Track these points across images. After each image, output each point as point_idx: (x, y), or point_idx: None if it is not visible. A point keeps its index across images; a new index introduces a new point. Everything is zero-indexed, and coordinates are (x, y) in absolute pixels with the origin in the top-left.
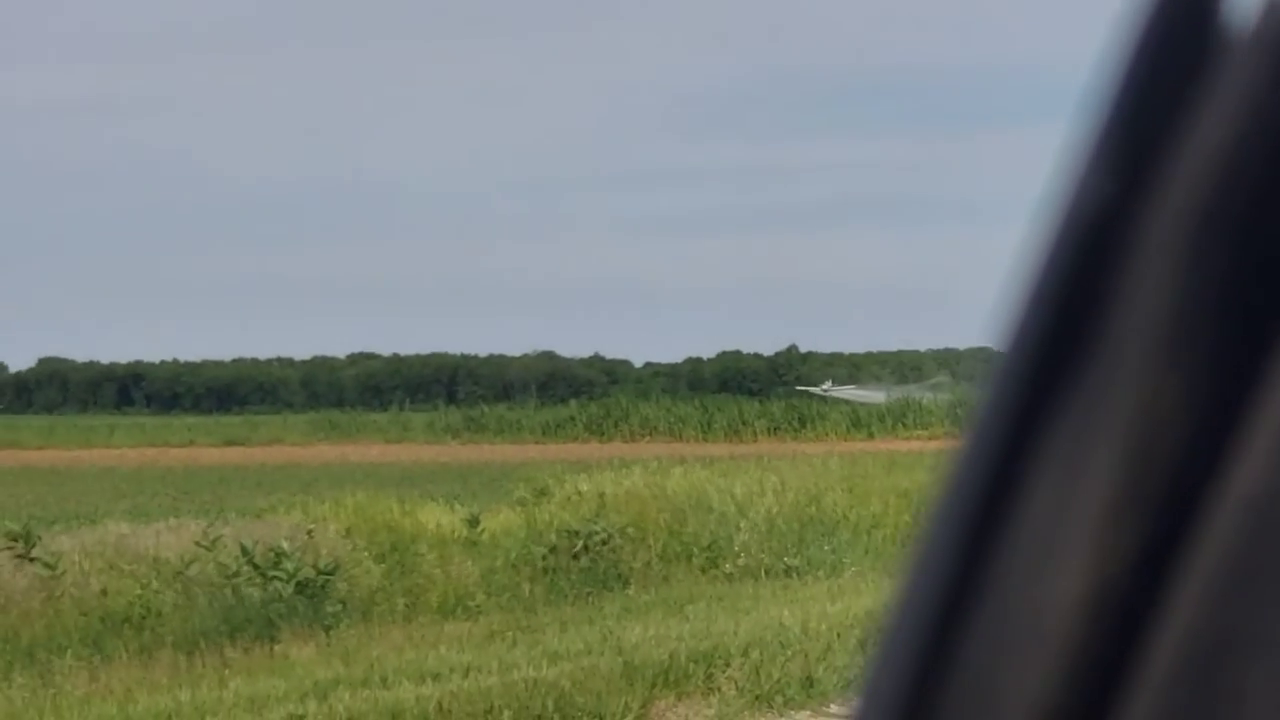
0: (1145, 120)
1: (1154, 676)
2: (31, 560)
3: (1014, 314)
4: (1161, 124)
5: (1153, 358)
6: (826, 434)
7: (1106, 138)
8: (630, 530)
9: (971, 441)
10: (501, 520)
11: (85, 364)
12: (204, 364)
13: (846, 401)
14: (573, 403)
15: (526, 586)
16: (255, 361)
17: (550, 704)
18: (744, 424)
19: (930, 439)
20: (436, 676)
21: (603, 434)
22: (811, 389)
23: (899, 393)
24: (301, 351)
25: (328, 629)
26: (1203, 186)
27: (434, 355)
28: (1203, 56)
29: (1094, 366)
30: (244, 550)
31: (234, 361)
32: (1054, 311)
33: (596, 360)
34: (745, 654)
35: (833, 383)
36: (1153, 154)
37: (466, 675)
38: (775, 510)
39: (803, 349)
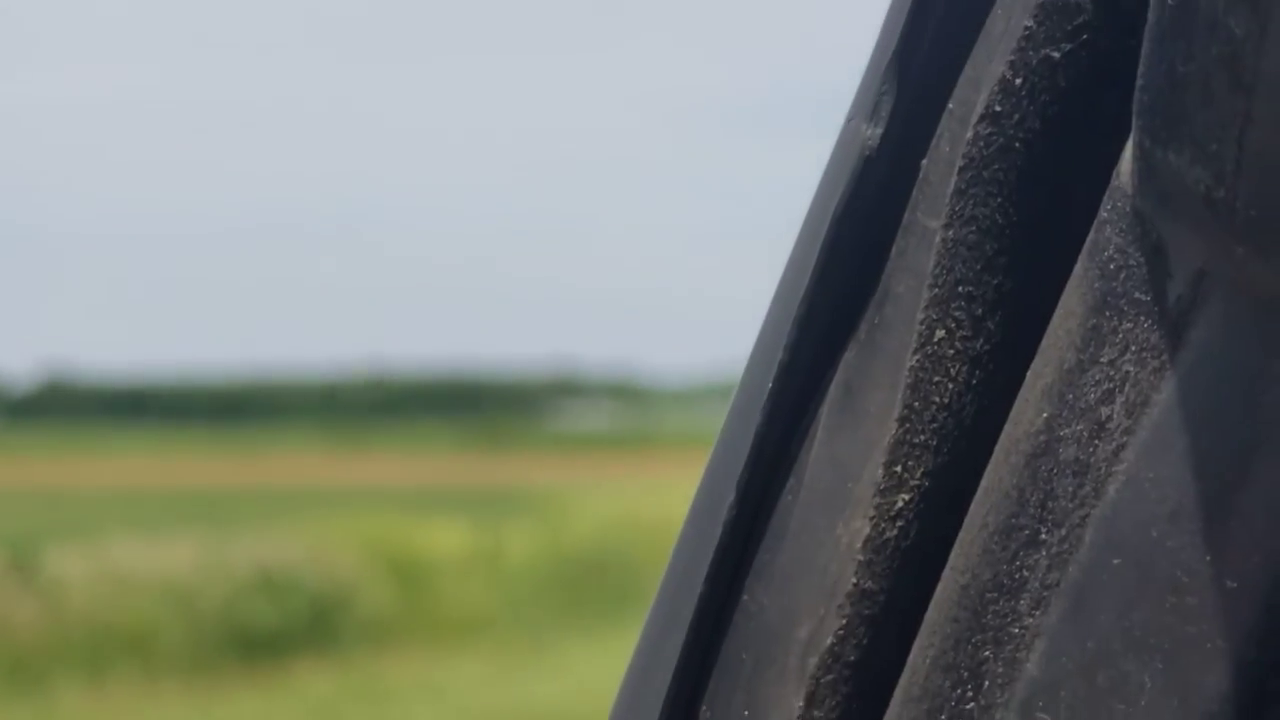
0: (914, 62)
1: (935, 620)
2: (35, 579)
3: (798, 259)
4: (930, 67)
5: (927, 304)
6: None
7: (876, 82)
8: (652, 549)
9: (755, 388)
10: (520, 540)
11: (93, 376)
12: (214, 376)
13: (581, 421)
14: (593, 418)
15: (545, 607)
16: (267, 375)
17: None
18: None
19: None
20: (450, 698)
21: (627, 450)
22: (572, 410)
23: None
24: (315, 365)
25: (339, 650)
26: (969, 134)
27: (450, 370)
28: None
29: (872, 313)
30: (255, 570)
31: (245, 375)
32: (833, 256)
33: (623, 374)
34: None
35: (578, 402)
36: (922, 100)
37: (480, 696)
38: None
39: None
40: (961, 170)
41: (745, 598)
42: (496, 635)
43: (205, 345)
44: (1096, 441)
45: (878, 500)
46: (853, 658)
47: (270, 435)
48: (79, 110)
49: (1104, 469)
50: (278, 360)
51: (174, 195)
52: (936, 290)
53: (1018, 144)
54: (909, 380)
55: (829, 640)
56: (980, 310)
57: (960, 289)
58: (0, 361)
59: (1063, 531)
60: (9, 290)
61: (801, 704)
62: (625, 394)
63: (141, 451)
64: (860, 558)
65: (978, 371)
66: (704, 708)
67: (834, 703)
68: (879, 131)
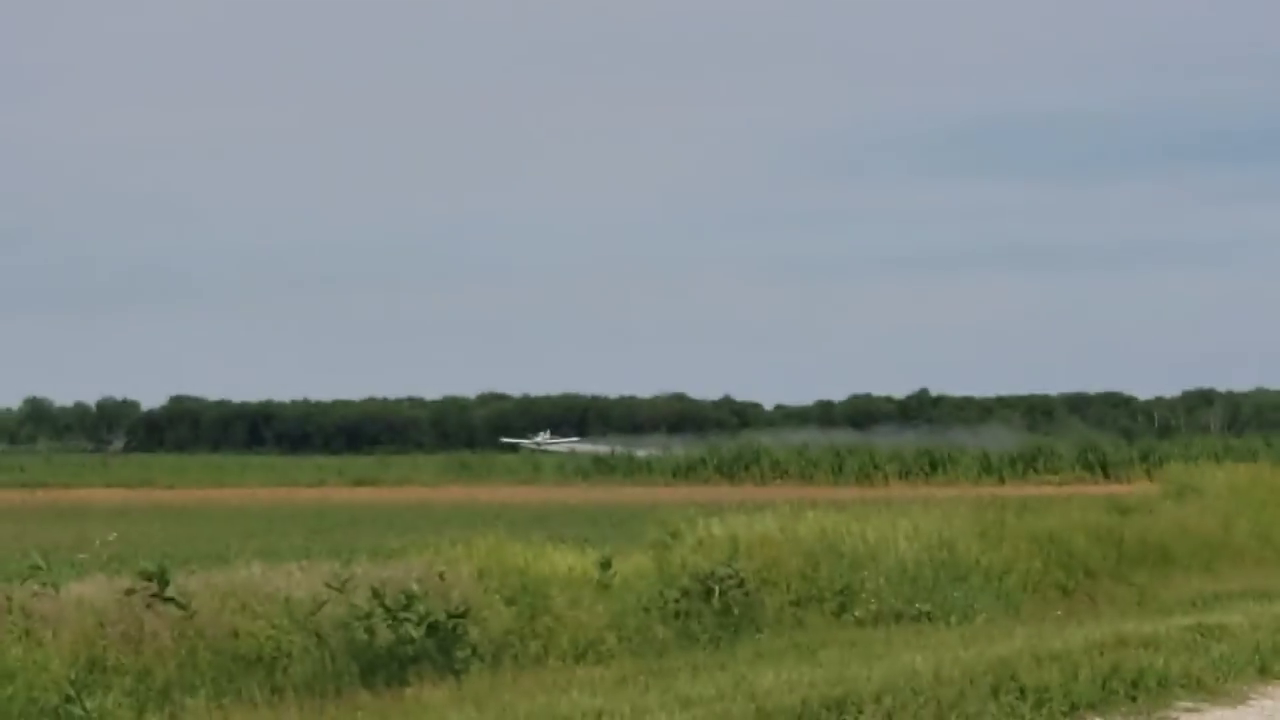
0: None
1: None
2: (165, 600)
3: None
4: None
5: None
6: (957, 478)
7: None
8: (763, 574)
9: None
10: (633, 563)
11: (216, 403)
12: (334, 403)
13: (560, 453)
14: (704, 445)
15: (658, 630)
16: (386, 401)
17: None
18: (875, 467)
19: (1061, 484)
20: None
21: (733, 477)
22: (522, 441)
23: (624, 447)
24: (432, 391)
25: (458, 673)
26: None
27: (564, 396)
28: None
29: None
30: (375, 592)
31: (364, 401)
32: None
33: (727, 402)
34: (878, 700)
35: (549, 434)
36: None
37: None
38: (907, 554)
39: (933, 392)
40: None
41: None
42: (612, 657)
43: (328, 373)
44: None
45: None
46: None
47: (391, 459)
48: (207, 148)
49: None
50: (399, 387)
51: (298, 230)
52: None
53: None
54: None
55: None
56: None
57: None
58: (131, 386)
59: None
60: (142, 319)
61: None
62: (732, 422)
63: (265, 474)
64: None
65: None
66: None
67: None
68: None
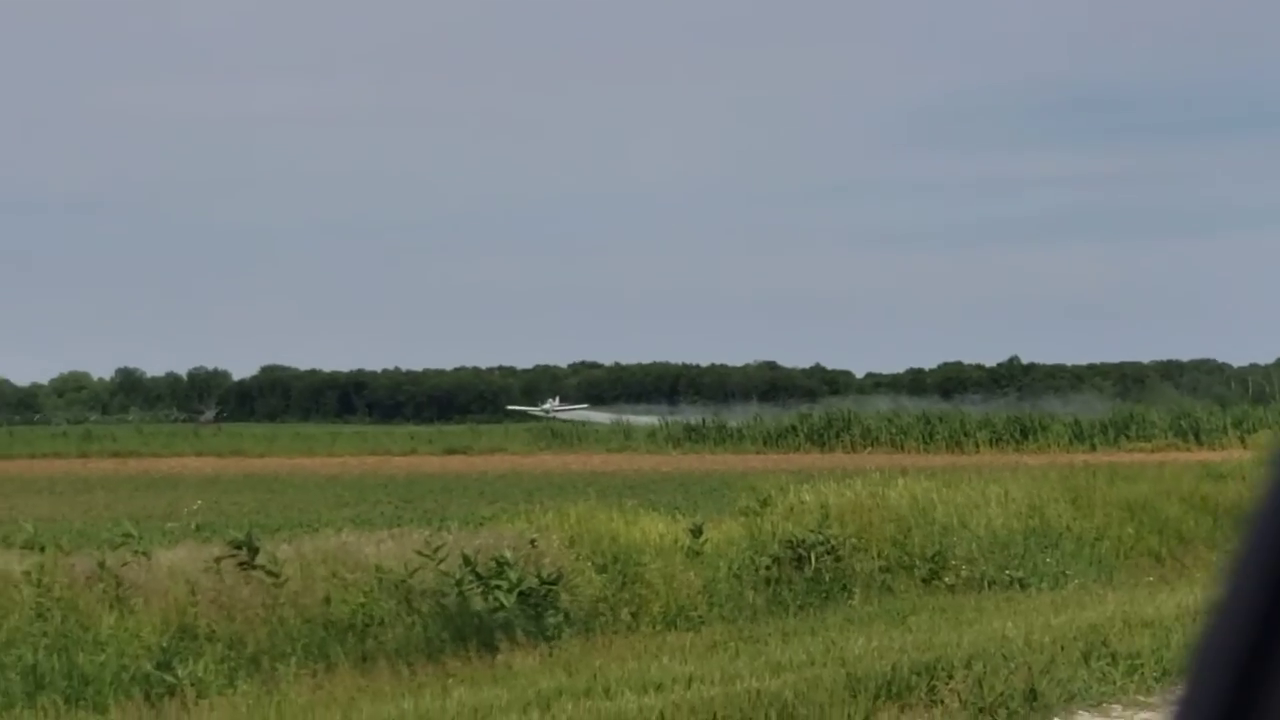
0: None
1: None
2: (255, 568)
3: None
4: None
5: None
6: (1048, 445)
7: None
8: (854, 541)
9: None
10: (724, 530)
11: (307, 372)
12: (425, 372)
13: (568, 422)
14: (794, 412)
15: (749, 596)
16: (477, 370)
17: (773, 715)
18: (965, 435)
19: (1153, 451)
20: (659, 687)
21: (824, 444)
22: (531, 409)
23: (626, 416)
24: (524, 360)
25: (550, 639)
26: None
27: (655, 364)
28: None
29: None
30: (466, 559)
31: (456, 370)
32: None
33: (818, 370)
34: (968, 666)
35: (559, 400)
36: None
37: (689, 686)
38: (998, 521)
39: (1024, 360)
40: None
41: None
42: (703, 623)
43: (419, 342)
44: None
45: None
46: None
47: (482, 427)
48: (297, 121)
49: None
50: (490, 356)
51: (390, 200)
52: None
53: None
54: None
55: None
56: None
57: None
58: (222, 356)
59: None
60: (233, 289)
61: None
62: (823, 390)
63: (356, 443)
64: None
65: None
66: None
67: None
68: None
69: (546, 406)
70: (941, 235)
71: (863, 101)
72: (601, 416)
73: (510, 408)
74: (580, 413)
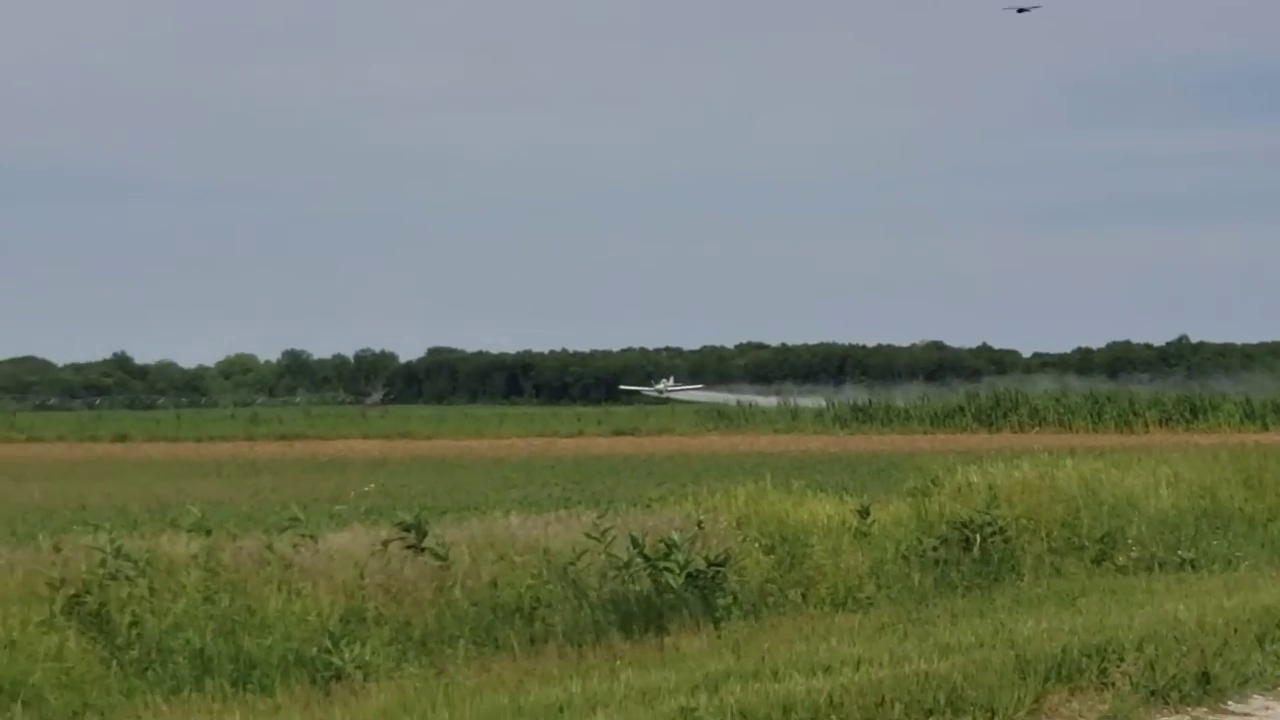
0: None
1: None
2: (422, 551)
3: None
4: None
5: None
6: (1219, 425)
7: None
8: (1022, 521)
9: None
10: (891, 511)
11: (474, 354)
12: (593, 354)
13: (685, 402)
14: (961, 393)
15: (917, 578)
16: (644, 351)
17: (941, 697)
18: (1134, 414)
19: None
20: (827, 669)
21: (991, 424)
22: (644, 389)
23: (749, 396)
24: (691, 341)
25: (718, 621)
26: None
27: (821, 345)
28: None
29: None
30: (634, 541)
31: (623, 351)
32: None
33: (984, 350)
34: (1139, 648)
35: (673, 381)
36: None
37: (857, 668)
38: (1168, 502)
39: (1194, 339)
40: None
41: None
42: (871, 604)
43: (586, 323)
44: None
45: None
46: None
47: (650, 408)
48: (465, 100)
49: None
50: (657, 337)
51: (554, 182)
52: None
53: None
54: None
55: None
56: None
57: None
58: (389, 338)
59: None
60: (399, 271)
61: None
62: (989, 369)
63: (523, 424)
64: None
65: None
66: None
67: None
68: None
69: (660, 387)
70: (1109, 211)
71: (1026, 79)
72: (715, 397)
73: (623, 387)
74: (693, 393)
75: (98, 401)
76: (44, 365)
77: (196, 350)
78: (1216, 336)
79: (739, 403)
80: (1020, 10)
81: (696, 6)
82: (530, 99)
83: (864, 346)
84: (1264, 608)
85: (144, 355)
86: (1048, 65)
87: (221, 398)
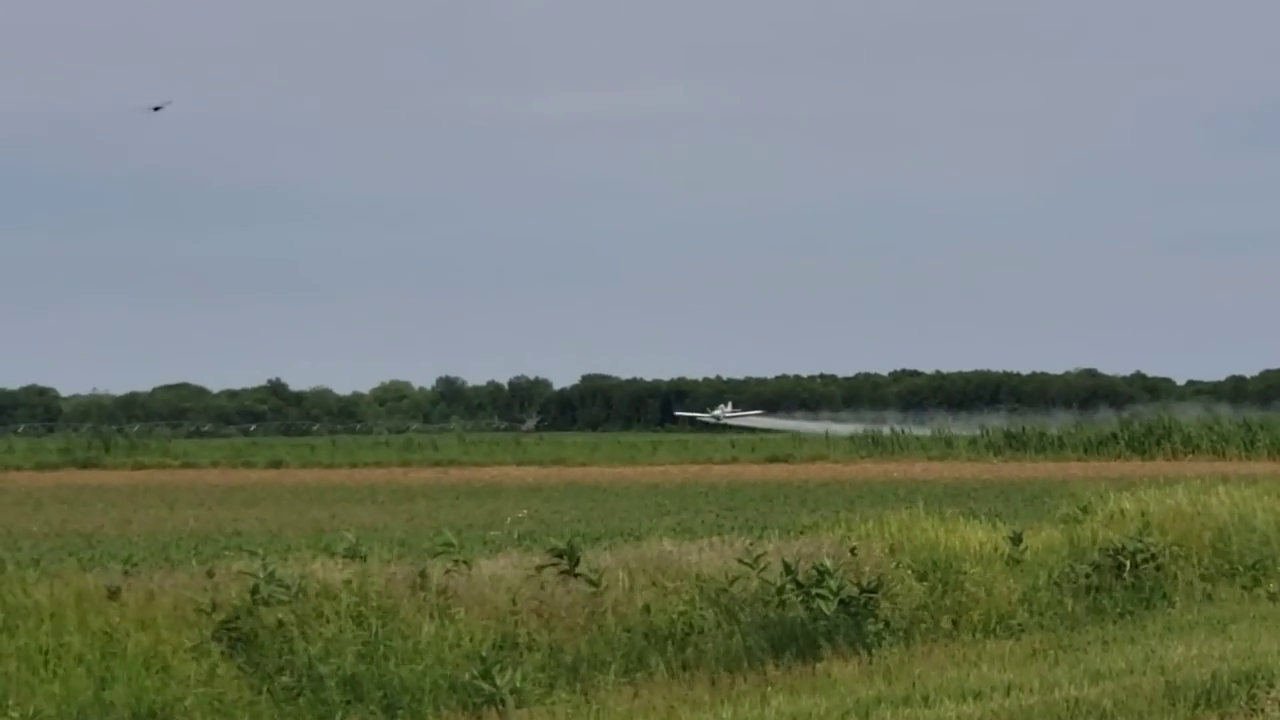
0: None
1: None
2: (576, 576)
3: None
4: None
5: None
6: None
7: None
8: (1174, 548)
9: None
10: (1044, 538)
11: (628, 380)
12: (747, 380)
13: (742, 429)
14: (1115, 420)
15: (1069, 604)
16: (799, 378)
17: None
18: None
19: None
20: (978, 695)
21: (1144, 451)
22: (699, 415)
23: (809, 425)
24: (845, 368)
25: (869, 647)
26: None
27: (976, 372)
28: None
29: None
30: (787, 567)
31: (777, 378)
32: None
33: (1138, 378)
34: None
35: (730, 406)
36: None
37: (1008, 694)
38: None
39: None
40: None
41: None
42: (1022, 630)
43: (740, 350)
44: None
45: None
46: None
47: (803, 436)
48: (619, 129)
49: None
50: (811, 364)
51: (707, 210)
52: None
53: None
54: None
55: None
56: None
57: None
58: (543, 365)
59: None
60: (553, 298)
61: None
62: (1144, 396)
63: (677, 451)
64: None
65: None
66: None
67: None
68: None
69: (717, 413)
70: (1265, 238)
71: (1179, 104)
72: (776, 423)
73: (678, 414)
74: (752, 419)
75: (252, 428)
76: (199, 392)
77: (351, 377)
78: None
79: (827, 432)
80: (155, 109)
81: (871, 34)
82: (680, 129)
83: (1018, 374)
84: None
85: (299, 382)
86: (1203, 91)
87: (376, 424)
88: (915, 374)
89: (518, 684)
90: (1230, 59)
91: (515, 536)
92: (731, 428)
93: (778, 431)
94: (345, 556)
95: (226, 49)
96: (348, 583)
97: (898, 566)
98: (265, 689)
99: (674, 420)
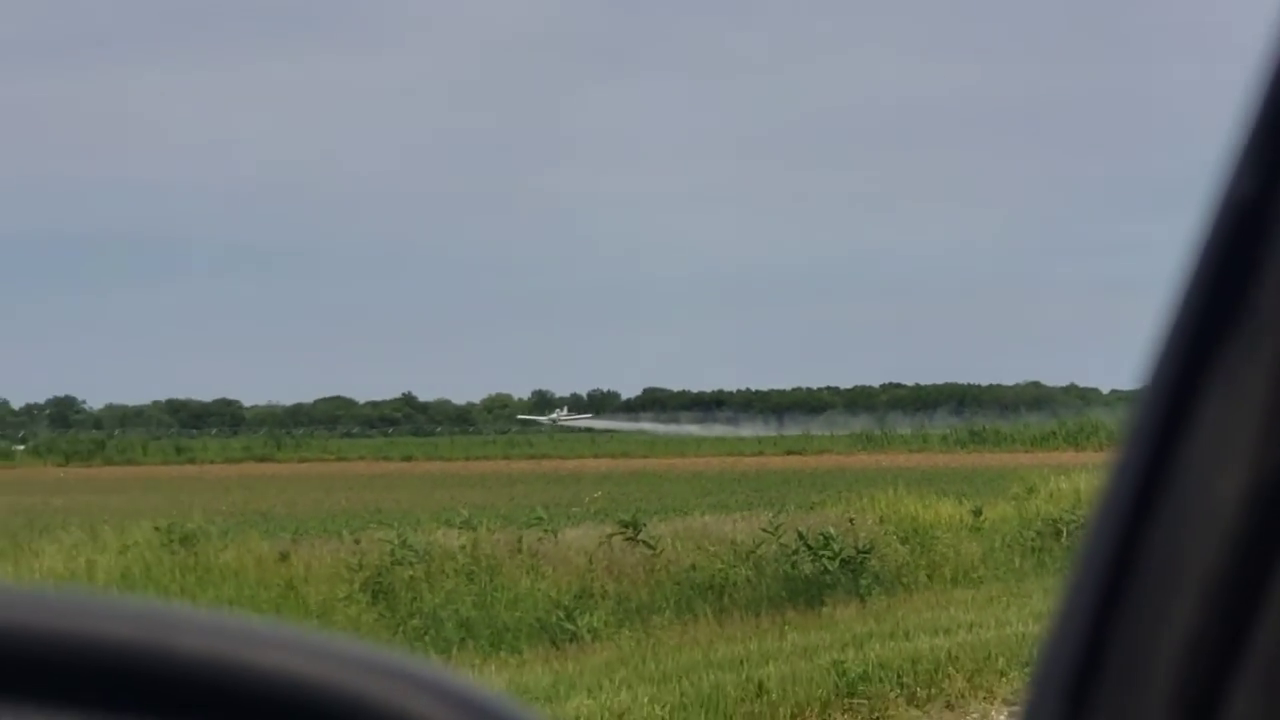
0: None
1: None
2: (638, 542)
3: (1188, 276)
4: None
5: None
6: None
7: (1253, 137)
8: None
9: (1161, 362)
10: (999, 511)
11: (679, 392)
12: (770, 391)
13: (575, 429)
14: (1054, 420)
15: (1018, 561)
16: (810, 390)
17: (1035, 652)
18: None
19: None
20: (947, 631)
21: (1078, 445)
22: (539, 419)
23: (653, 425)
24: (846, 381)
25: (863, 596)
26: None
27: (947, 384)
28: None
29: (1249, 316)
30: (800, 535)
31: (793, 390)
32: (1216, 276)
33: (1073, 388)
34: None
35: (566, 411)
36: None
37: (971, 630)
38: None
39: None
40: None
41: (1150, 532)
42: (982, 582)
43: (763, 366)
44: None
45: (1255, 457)
46: (1236, 579)
47: (814, 433)
48: (680, 197)
49: None
50: (819, 377)
51: (740, 254)
52: None
53: None
54: (1276, 363)
55: (1217, 561)
56: None
57: None
58: (615, 379)
59: None
60: (621, 324)
61: (1199, 620)
62: (1076, 403)
63: (716, 446)
64: (1242, 502)
65: None
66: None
67: (1225, 616)
68: (1252, 183)
69: (553, 416)
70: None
71: (1097, 179)
72: (604, 424)
73: (520, 417)
74: (585, 421)
75: (390, 430)
76: (348, 402)
77: (466, 390)
78: None
79: (643, 430)
80: None
81: (855, 77)
82: (729, 200)
83: (979, 385)
84: None
85: (426, 394)
86: (1116, 167)
87: (485, 427)
88: (900, 386)
89: (594, 625)
90: (1138, 141)
91: (591, 512)
92: (566, 429)
93: (614, 431)
94: (461, 528)
95: (403, 144)
96: (463, 547)
97: (885, 533)
98: (400, 629)
99: (518, 423)
